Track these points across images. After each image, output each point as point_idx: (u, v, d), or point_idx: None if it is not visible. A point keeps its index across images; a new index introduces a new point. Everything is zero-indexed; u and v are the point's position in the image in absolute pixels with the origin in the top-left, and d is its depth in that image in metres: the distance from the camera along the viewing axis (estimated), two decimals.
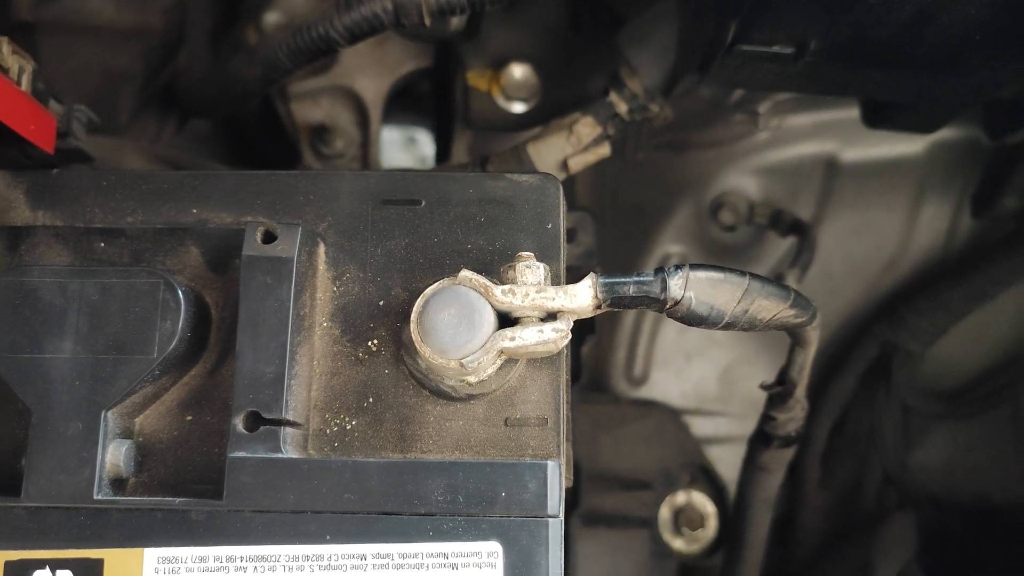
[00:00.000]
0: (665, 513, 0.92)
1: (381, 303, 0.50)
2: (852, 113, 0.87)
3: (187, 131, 0.87)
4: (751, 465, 0.70)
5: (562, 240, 0.50)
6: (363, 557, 0.42)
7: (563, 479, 0.46)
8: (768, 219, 0.90)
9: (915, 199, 0.90)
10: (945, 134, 0.87)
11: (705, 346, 0.98)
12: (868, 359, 0.91)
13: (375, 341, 0.49)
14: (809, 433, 0.93)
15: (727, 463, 0.93)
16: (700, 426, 0.96)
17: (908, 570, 0.77)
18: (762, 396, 0.69)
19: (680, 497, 0.92)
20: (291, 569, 0.42)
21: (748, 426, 0.75)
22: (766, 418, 0.66)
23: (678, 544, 0.92)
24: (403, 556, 0.42)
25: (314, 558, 0.43)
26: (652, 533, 0.91)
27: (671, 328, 0.97)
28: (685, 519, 0.92)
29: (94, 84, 0.77)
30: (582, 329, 0.82)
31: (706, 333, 0.98)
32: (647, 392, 0.96)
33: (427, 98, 1.04)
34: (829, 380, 0.93)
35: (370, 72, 0.91)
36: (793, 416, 0.65)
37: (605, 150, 0.74)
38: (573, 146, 0.73)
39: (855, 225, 0.92)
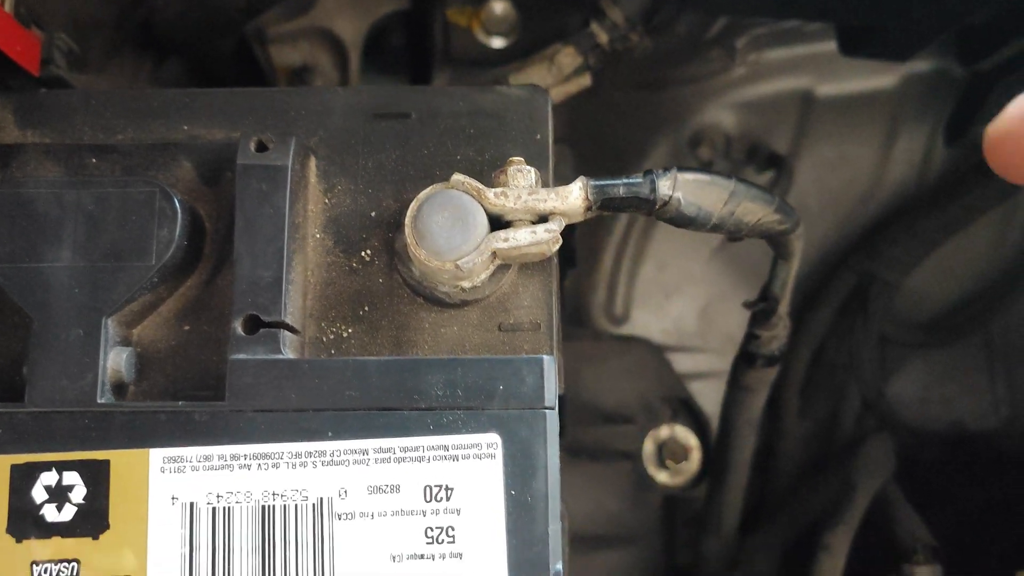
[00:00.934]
0: (649, 447, 0.94)
1: (373, 214, 0.50)
2: (827, 47, 0.88)
3: (162, 79, 0.87)
4: (735, 386, 0.72)
5: (551, 150, 0.51)
6: (365, 452, 0.43)
7: (557, 376, 0.47)
8: (745, 154, 0.91)
9: (889, 132, 0.92)
10: (918, 66, 0.88)
11: (684, 284, 0.99)
12: (845, 290, 0.92)
13: (368, 251, 0.50)
14: (788, 364, 0.94)
15: (708, 398, 0.95)
16: (681, 362, 0.97)
17: (888, 488, 0.80)
18: (741, 331, 0.71)
19: (663, 431, 0.94)
20: (294, 466, 0.43)
21: (728, 361, 0.77)
22: (750, 337, 0.68)
23: (662, 477, 0.94)
24: (404, 450, 0.43)
25: (316, 454, 0.43)
26: (636, 466, 0.93)
27: (650, 267, 0.99)
28: (668, 452, 0.93)
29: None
30: (564, 263, 0.83)
31: (684, 270, 0.99)
32: (628, 329, 0.98)
33: (401, 53, 1.04)
34: (807, 312, 0.95)
35: (348, 13, 0.91)
36: (776, 334, 0.67)
37: (586, 80, 0.75)
38: (554, 77, 0.74)
39: (831, 159, 0.93)
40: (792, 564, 0.86)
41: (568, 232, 0.86)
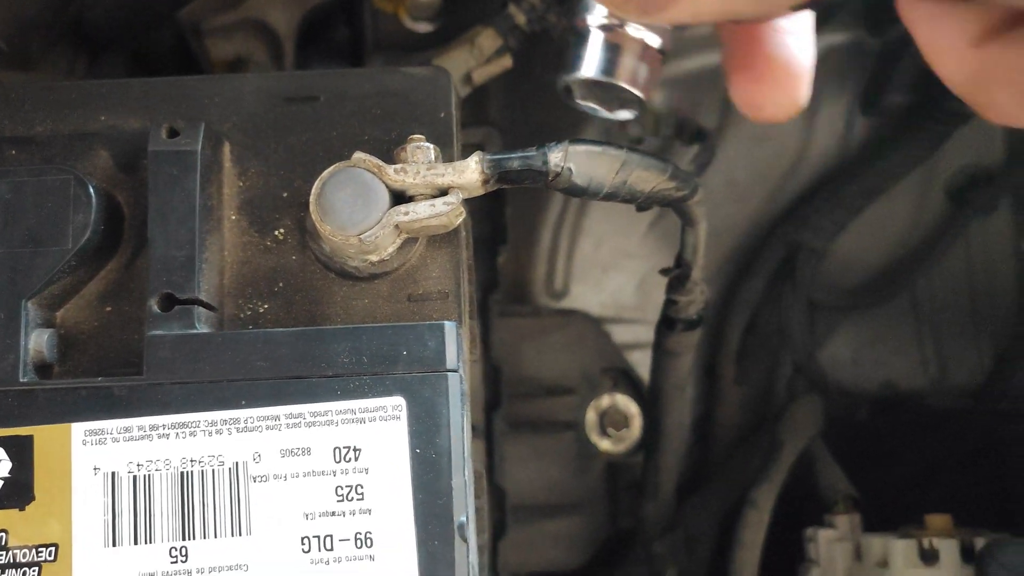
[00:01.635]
0: (591, 416, 0.97)
1: (285, 195, 0.53)
2: None
3: (99, 74, 0.88)
4: (659, 351, 0.75)
5: (455, 128, 0.54)
6: (277, 418, 0.46)
7: (466, 341, 0.49)
8: (673, 129, 0.94)
9: (811, 104, 0.94)
10: (834, 39, 0.91)
11: (621, 258, 1.02)
12: (775, 260, 0.96)
13: (281, 230, 0.52)
14: (723, 333, 0.98)
15: (647, 367, 0.98)
16: (620, 333, 1.00)
17: (815, 446, 0.83)
18: None
19: (604, 400, 0.97)
20: (210, 433, 0.46)
21: None
22: (668, 303, 0.71)
23: (605, 445, 0.97)
24: (313, 415, 0.46)
25: (231, 421, 0.46)
26: (578, 435, 0.96)
27: (587, 243, 1.01)
28: (610, 421, 0.96)
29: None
30: (495, 239, 0.86)
31: (620, 246, 1.02)
32: (568, 304, 1.00)
33: (338, 42, 1.06)
34: (739, 282, 0.98)
35: (281, 4, 0.93)
36: (693, 299, 0.70)
37: (507, 62, 0.78)
38: (476, 59, 0.77)
39: (757, 133, 0.96)
40: (730, 524, 0.89)
41: (499, 209, 0.89)
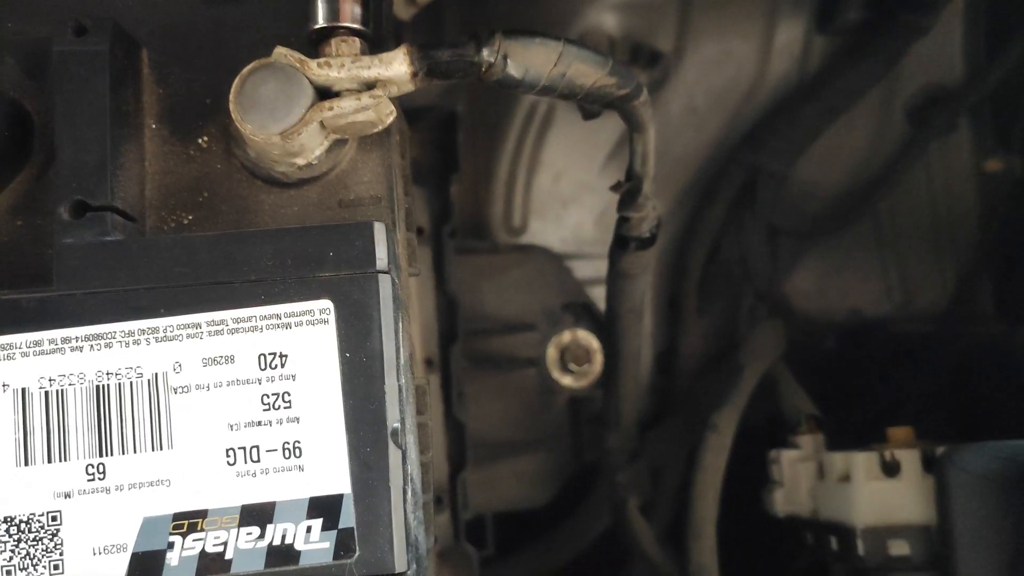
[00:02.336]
0: (552, 352, 0.95)
1: (208, 101, 0.50)
2: None
3: None
4: (613, 273, 0.72)
5: (383, 26, 0.51)
6: (198, 326, 0.43)
7: (395, 244, 0.47)
8: (629, 54, 0.91)
9: (768, 24, 0.92)
10: None
11: (580, 193, 1.00)
12: (734, 186, 0.94)
13: (205, 138, 0.50)
14: (684, 263, 0.96)
15: None
16: (581, 268, 0.98)
17: (777, 368, 0.81)
18: None
19: (565, 336, 0.95)
20: (127, 344, 0.43)
21: None
22: (621, 221, 0.68)
23: (566, 380, 0.95)
24: (237, 321, 0.43)
25: (149, 331, 0.43)
26: (540, 371, 0.94)
27: (545, 177, 0.99)
28: (571, 356, 0.94)
29: None
30: (446, 167, 0.83)
31: (579, 180, 1.00)
32: (527, 240, 0.98)
33: None
34: (700, 211, 0.96)
35: None
36: (645, 215, 0.67)
37: None
38: None
39: (714, 56, 0.94)
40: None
41: (450, 136, 0.87)
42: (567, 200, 1.00)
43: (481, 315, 0.93)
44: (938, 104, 0.93)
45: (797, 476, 0.73)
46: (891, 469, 0.65)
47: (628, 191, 0.65)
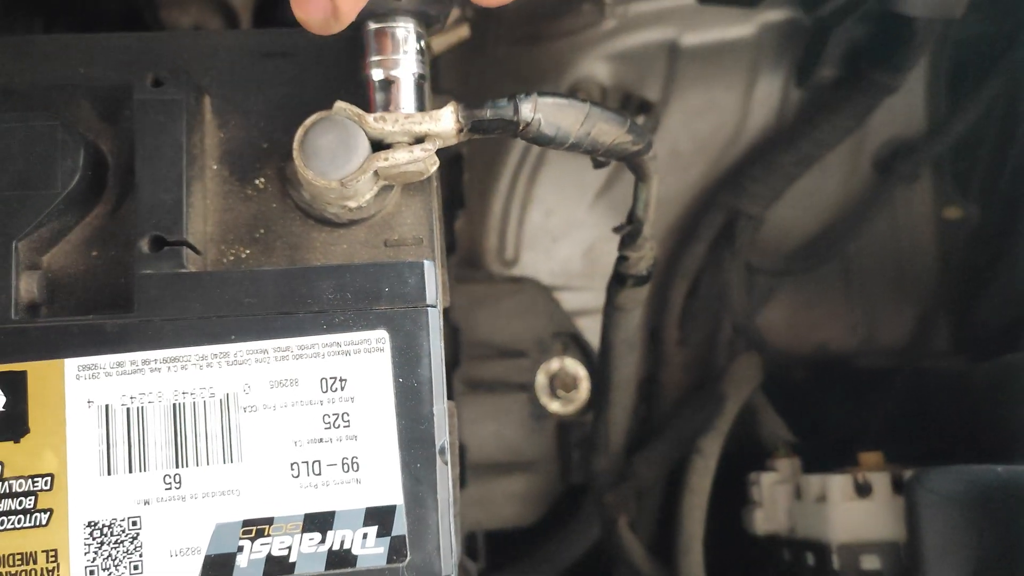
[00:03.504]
0: (541, 378, 1.00)
1: (265, 146, 0.55)
2: (687, 0, 0.95)
3: None
4: (610, 307, 0.78)
5: (428, 86, 0.56)
6: (265, 351, 0.48)
7: (439, 280, 0.52)
8: (619, 102, 0.98)
9: (749, 78, 1.00)
10: (771, 16, 0.96)
11: (569, 228, 1.06)
12: (715, 226, 1.00)
13: (262, 179, 0.55)
14: (666, 297, 1.02)
15: (594, 332, 1.02)
16: (568, 300, 1.04)
17: (756, 398, 0.88)
18: None
19: (554, 363, 1.01)
20: (201, 367, 0.48)
21: None
22: (620, 259, 0.74)
23: (555, 406, 1.00)
24: (301, 348, 0.48)
25: (221, 356, 0.48)
26: (530, 397, 0.99)
27: (537, 212, 1.05)
28: (559, 383, 1.00)
29: None
30: (452, 202, 0.89)
31: (569, 216, 1.06)
32: (519, 271, 1.04)
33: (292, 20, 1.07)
34: (682, 248, 1.03)
35: None
36: (644, 255, 0.73)
37: (464, 31, 0.81)
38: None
39: (698, 105, 1.01)
40: (677, 475, 0.94)
41: (456, 176, 0.92)
42: (557, 235, 1.06)
43: (476, 341, 0.98)
44: (902, 155, 1.01)
45: (775, 497, 0.79)
46: (864, 490, 0.71)
47: (629, 233, 0.71)
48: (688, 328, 1.02)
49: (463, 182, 0.88)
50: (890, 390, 0.98)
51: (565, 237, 1.06)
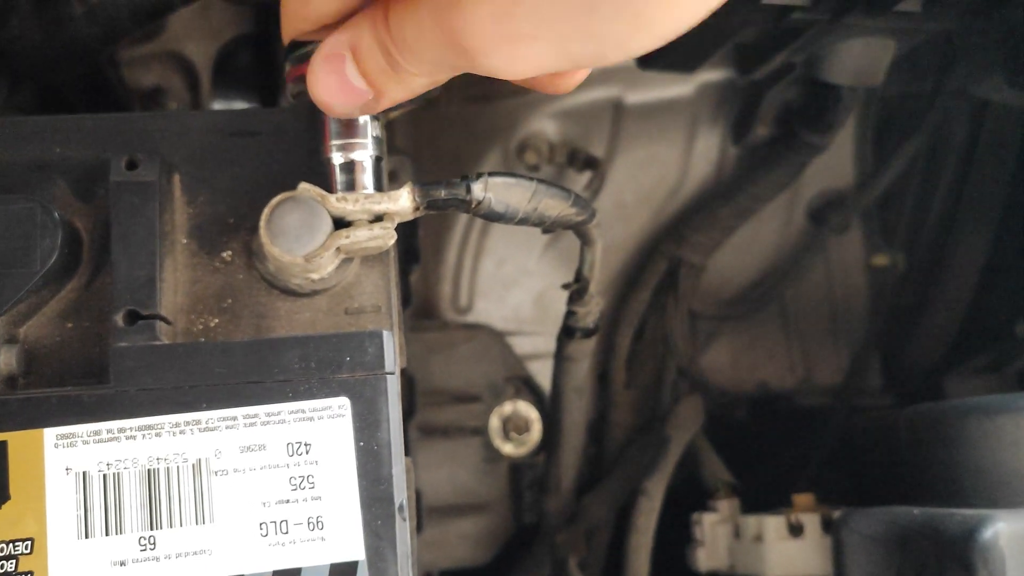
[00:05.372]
0: (495, 422, 1.04)
1: (231, 220, 0.58)
2: (630, 62, 1.01)
3: (16, 103, 0.91)
4: (560, 357, 0.83)
5: (383, 153, 0.60)
6: (235, 418, 0.52)
7: (397, 348, 0.56)
8: (567, 157, 1.03)
9: (689, 134, 1.05)
10: (710, 77, 1.02)
11: (520, 276, 1.11)
12: (658, 273, 1.05)
13: (229, 252, 0.58)
14: (613, 341, 1.07)
15: (546, 376, 1.06)
16: (521, 345, 1.08)
17: (697, 439, 0.92)
18: None
19: (507, 407, 1.05)
20: (174, 433, 0.51)
21: None
22: (569, 314, 0.79)
23: (508, 448, 1.04)
24: (268, 415, 0.52)
25: (193, 422, 0.51)
26: (484, 440, 1.03)
27: (489, 262, 1.09)
28: (512, 425, 1.04)
29: None
30: (408, 257, 0.93)
31: (520, 265, 1.11)
32: (473, 318, 1.08)
33: (249, 73, 1.11)
34: (628, 294, 1.07)
35: (197, 37, 0.98)
36: (590, 310, 0.78)
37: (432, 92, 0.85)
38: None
39: (641, 159, 1.06)
40: (625, 514, 0.98)
41: (411, 232, 0.96)
42: (509, 283, 1.10)
43: (431, 389, 1.02)
44: (834, 206, 1.07)
45: (716, 536, 0.84)
46: (796, 531, 0.76)
47: (577, 290, 0.76)
48: (635, 370, 1.07)
49: (418, 238, 0.92)
50: (825, 429, 1.04)
51: (516, 285, 1.10)
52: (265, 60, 1.03)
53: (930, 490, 0.68)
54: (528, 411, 1.05)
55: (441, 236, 1.06)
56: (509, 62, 0.44)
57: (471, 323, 1.07)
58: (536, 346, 1.09)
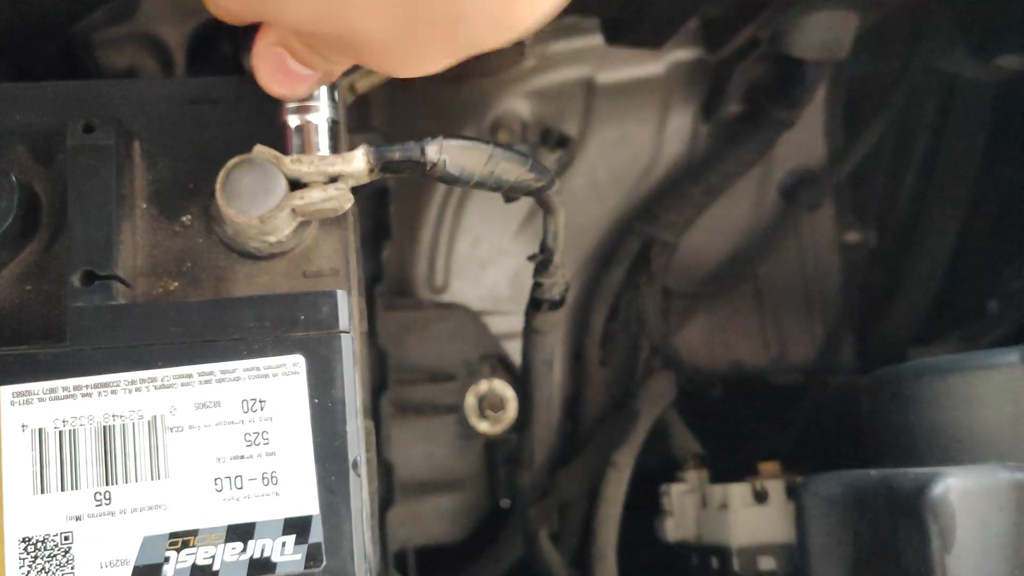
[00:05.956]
0: (470, 400, 1.05)
1: (191, 185, 0.59)
2: (601, 40, 1.02)
3: None
4: (528, 330, 0.83)
5: (342, 124, 0.61)
6: (190, 376, 0.52)
7: (354, 309, 0.57)
8: (539, 137, 1.04)
9: (661, 113, 1.06)
10: (680, 55, 1.03)
11: (496, 256, 1.11)
12: (632, 252, 1.06)
13: (188, 217, 0.59)
14: (587, 321, 1.08)
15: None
16: (496, 324, 1.09)
17: (668, 414, 0.93)
18: None
19: (483, 385, 1.05)
20: (129, 391, 0.52)
21: None
22: (535, 285, 0.80)
23: (483, 426, 1.05)
24: (223, 372, 0.52)
25: (149, 380, 0.52)
26: (459, 418, 1.04)
27: (465, 242, 1.10)
28: (488, 404, 1.05)
29: None
30: (379, 234, 0.93)
31: (495, 244, 1.11)
32: (448, 297, 1.09)
33: (225, 56, 1.12)
34: (601, 274, 1.08)
35: (171, 18, 0.98)
36: (556, 281, 0.79)
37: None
38: (360, 71, 0.84)
39: (614, 138, 1.07)
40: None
41: (383, 207, 0.97)
42: (484, 262, 1.11)
43: (406, 366, 1.03)
44: (805, 184, 1.08)
45: (684, 506, 0.85)
46: (761, 497, 0.77)
47: (542, 261, 0.76)
48: (609, 349, 1.08)
49: (389, 214, 0.93)
50: (798, 406, 1.05)
51: (492, 264, 1.11)
52: (242, 42, 1.04)
53: (888, 452, 0.69)
54: (504, 389, 1.06)
55: (416, 215, 1.07)
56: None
57: (447, 302, 1.08)
58: (512, 325, 1.09)
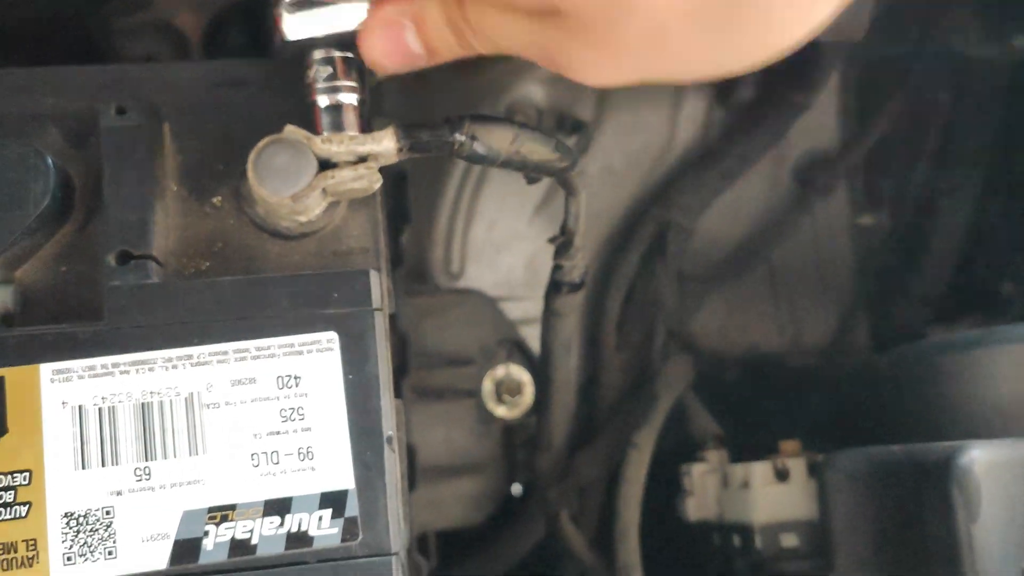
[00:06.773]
0: (488, 385, 1.05)
1: (221, 167, 0.60)
2: None
3: None
4: (547, 312, 0.84)
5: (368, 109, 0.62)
6: (226, 353, 0.53)
7: (384, 287, 0.57)
8: (555, 123, 1.04)
9: (676, 97, 1.06)
10: None
11: (511, 241, 1.12)
12: (647, 237, 1.06)
13: (219, 198, 0.59)
14: (604, 304, 1.08)
15: (537, 339, 1.07)
16: (512, 309, 1.09)
17: (687, 396, 0.94)
18: None
19: (500, 370, 1.06)
20: (167, 368, 0.53)
21: None
22: (555, 268, 0.80)
23: (501, 411, 1.05)
24: (258, 349, 0.53)
25: (185, 357, 0.53)
26: (477, 402, 1.04)
27: (481, 227, 1.10)
28: (505, 388, 1.05)
29: None
30: (398, 218, 0.94)
31: (511, 229, 1.12)
32: (464, 283, 1.09)
33: (242, 45, 1.12)
34: (617, 259, 1.09)
35: (187, 6, 0.99)
36: (576, 264, 0.79)
37: None
38: None
39: (629, 124, 1.07)
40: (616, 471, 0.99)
41: (402, 191, 0.97)
42: (500, 247, 1.11)
43: (424, 351, 1.03)
44: (819, 167, 1.09)
45: (705, 486, 0.85)
46: (782, 475, 0.77)
47: (563, 243, 0.77)
48: (625, 333, 1.08)
49: (408, 199, 0.94)
50: (814, 386, 1.05)
51: (508, 249, 1.11)
52: (257, 30, 1.04)
53: (912, 428, 0.69)
54: (520, 374, 1.06)
55: (432, 201, 1.07)
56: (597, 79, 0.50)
57: (463, 288, 1.08)
58: (527, 310, 1.10)
